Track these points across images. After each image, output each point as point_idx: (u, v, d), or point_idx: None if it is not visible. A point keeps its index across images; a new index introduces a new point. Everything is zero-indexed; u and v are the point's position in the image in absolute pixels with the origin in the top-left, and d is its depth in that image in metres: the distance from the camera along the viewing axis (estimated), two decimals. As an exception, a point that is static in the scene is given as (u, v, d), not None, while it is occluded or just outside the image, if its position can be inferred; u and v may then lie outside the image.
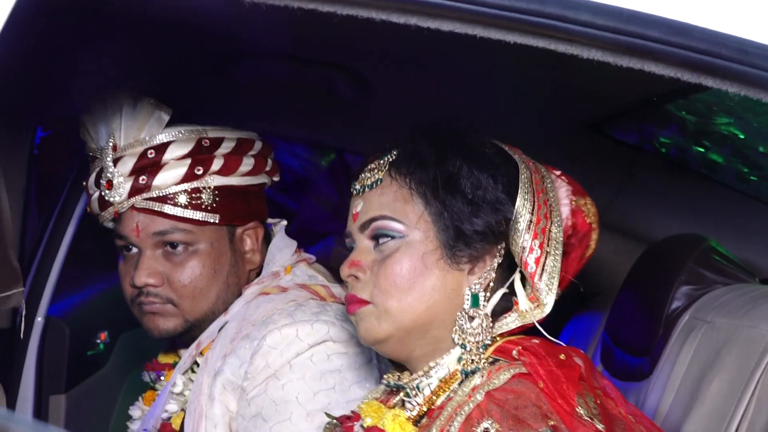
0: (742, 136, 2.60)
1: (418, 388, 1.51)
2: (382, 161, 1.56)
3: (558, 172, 1.61)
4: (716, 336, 1.93)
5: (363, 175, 1.58)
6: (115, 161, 1.94)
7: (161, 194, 1.93)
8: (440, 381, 1.49)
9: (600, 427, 1.31)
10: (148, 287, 1.94)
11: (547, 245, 1.48)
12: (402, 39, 1.53)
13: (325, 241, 3.80)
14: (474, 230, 1.48)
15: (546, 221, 1.49)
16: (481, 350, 1.47)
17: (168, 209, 1.93)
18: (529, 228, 1.47)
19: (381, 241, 1.51)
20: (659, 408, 2.00)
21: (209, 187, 1.95)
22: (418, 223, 1.50)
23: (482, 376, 1.43)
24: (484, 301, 1.49)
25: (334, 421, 1.63)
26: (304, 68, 2.31)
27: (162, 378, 2.18)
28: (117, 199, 1.94)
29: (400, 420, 1.48)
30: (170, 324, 1.96)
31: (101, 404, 3.07)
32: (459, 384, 1.47)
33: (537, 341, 1.46)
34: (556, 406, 1.33)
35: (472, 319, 1.48)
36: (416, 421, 1.50)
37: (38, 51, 1.82)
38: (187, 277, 1.94)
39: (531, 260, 1.47)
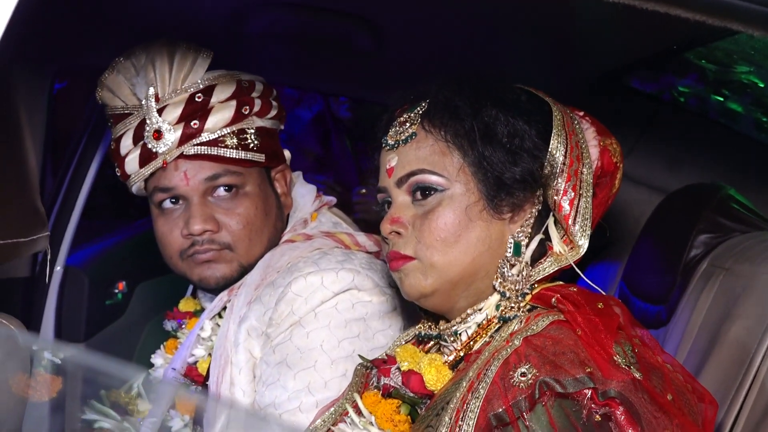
0: (761, 85, 2.59)
1: (455, 333, 1.53)
2: (412, 114, 1.55)
3: (581, 113, 1.61)
4: (735, 283, 1.94)
5: (394, 129, 1.57)
6: (160, 111, 1.91)
7: (211, 138, 1.91)
8: (478, 326, 1.51)
9: (637, 375, 1.32)
10: (204, 234, 1.92)
11: (580, 187, 1.49)
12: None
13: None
14: (514, 179, 1.48)
15: (578, 163, 1.49)
16: (519, 298, 1.48)
17: (221, 151, 1.91)
18: (563, 171, 1.48)
19: (421, 195, 1.51)
20: (677, 355, 2.01)
21: (253, 128, 1.95)
22: (458, 175, 1.50)
23: (520, 322, 1.45)
24: (525, 248, 1.50)
25: (368, 363, 1.64)
26: (318, 18, 2.29)
27: (183, 326, 2.20)
28: (167, 147, 1.90)
29: (437, 364, 1.50)
30: (227, 270, 1.95)
31: (119, 353, 3.09)
32: (497, 330, 1.48)
33: (575, 289, 1.47)
34: (594, 354, 1.33)
35: (512, 266, 1.49)
36: (453, 366, 1.51)
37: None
38: (243, 219, 1.94)
39: (565, 203, 1.48)
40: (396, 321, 1.84)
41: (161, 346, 2.22)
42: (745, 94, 2.62)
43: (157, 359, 2.20)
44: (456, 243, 1.48)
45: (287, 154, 2.12)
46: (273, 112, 2.01)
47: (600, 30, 2.16)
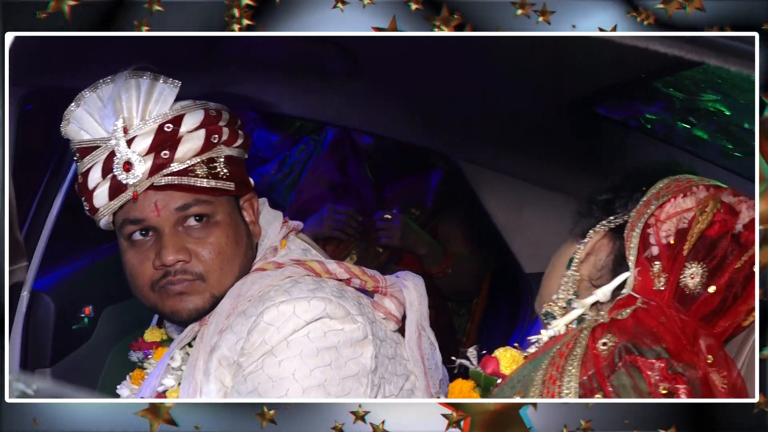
0: (728, 113, 2.62)
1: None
2: None
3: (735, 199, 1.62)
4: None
5: None
6: (129, 142, 1.88)
7: (181, 167, 1.89)
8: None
9: (710, 360, 1.48)
10: (177, 264, 1.90)
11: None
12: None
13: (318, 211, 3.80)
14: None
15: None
16: (563, 305, 1.69)
17: (191, 181, 1.89)
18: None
19: None
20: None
21: (222, 157, 1.94)
22: None
23: (603, 318, 1.58)
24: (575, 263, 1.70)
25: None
26: (294, 43, 2.29)
27: (150, 357, 2.17)
28: (137, 179, 1.88)
29: (512, 352, 1.74)
30: (199, 301, 1.92)
31: (86, 378, 3.07)
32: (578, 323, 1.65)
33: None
34: (672, 339, 1.48)
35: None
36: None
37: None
38: (215, 248, 1.92)
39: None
40: (368, 349, 1.84)
41: (127, 377, 2.18)
42: (711, 121, 2.66)
43: (123, 390, 2.16)
44: None
45: (251, 181, 2.11)
46: (239, 141, 2.00)
47: (569, 57, 2.18)
